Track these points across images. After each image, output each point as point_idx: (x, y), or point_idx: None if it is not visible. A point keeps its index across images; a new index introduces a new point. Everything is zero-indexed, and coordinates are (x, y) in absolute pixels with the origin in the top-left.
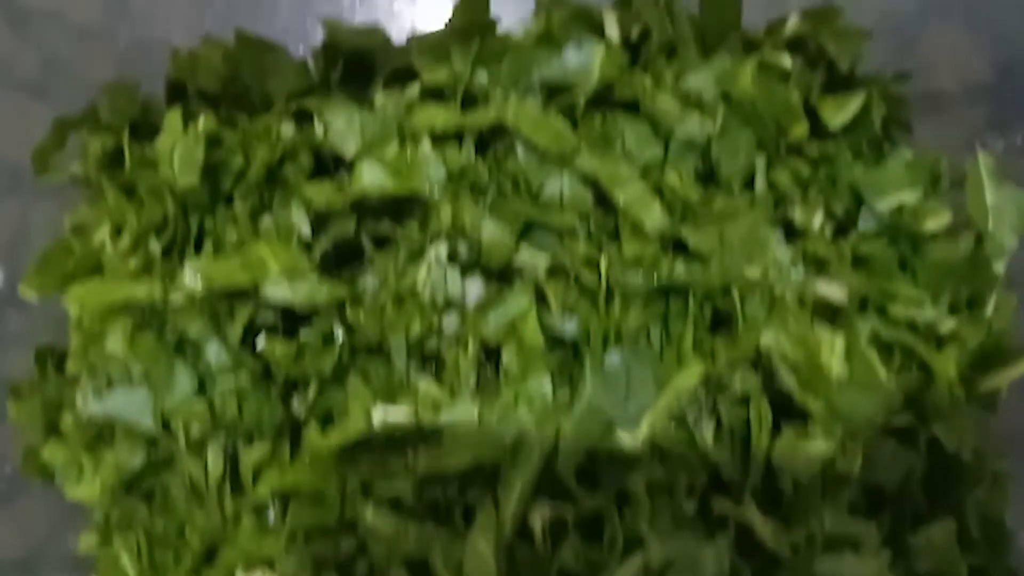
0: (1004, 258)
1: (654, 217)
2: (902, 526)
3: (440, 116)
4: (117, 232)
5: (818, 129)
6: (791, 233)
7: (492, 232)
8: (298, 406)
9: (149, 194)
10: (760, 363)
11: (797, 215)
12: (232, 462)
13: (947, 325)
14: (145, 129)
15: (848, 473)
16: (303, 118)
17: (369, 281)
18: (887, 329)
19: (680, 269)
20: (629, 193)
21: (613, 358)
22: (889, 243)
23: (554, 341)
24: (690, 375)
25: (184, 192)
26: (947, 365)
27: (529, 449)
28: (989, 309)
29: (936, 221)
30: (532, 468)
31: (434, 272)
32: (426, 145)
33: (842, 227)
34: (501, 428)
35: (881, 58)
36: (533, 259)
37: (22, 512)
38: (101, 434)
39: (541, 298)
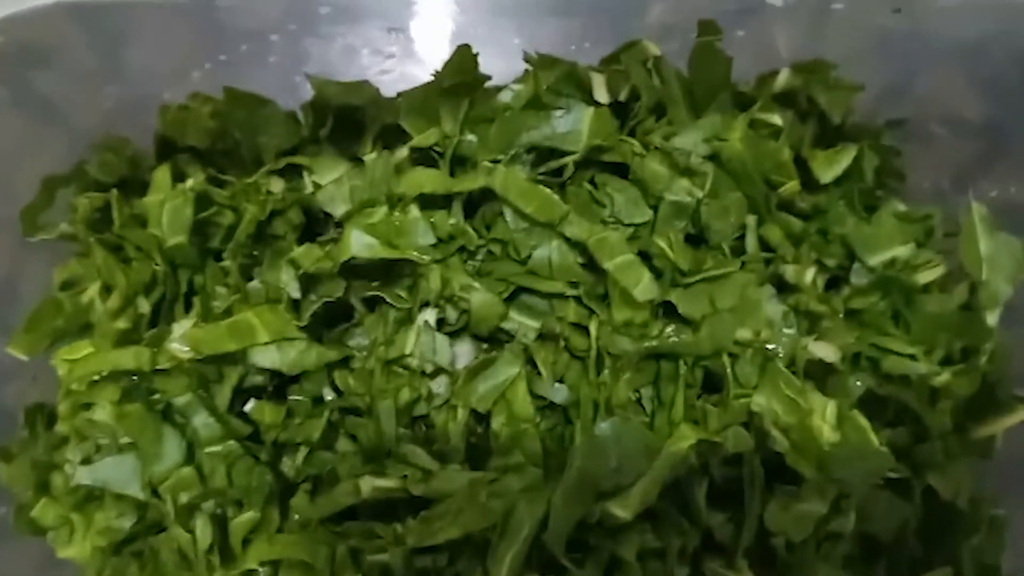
0: (998, 308)
1: (643, 284)
2: (899, 574)
3: (429, 180)
4: (106, 291)
5: (809, 181)
6: (783, 288)
7: (482, 297)
8: (287, 468)
9: (138, 253)
10: (752, 424)
11: (789, 272)
12: (221, 528)
13: (941, 378)
14: (134, 185)
15: (842, 532)
16: (293, 174)
17: (358, 342)
18: (880, 385)
19: (670, 335)
20: (618, 260)
21: (603, 428)
22: (882, 297)
23: (544, 407)
24: (681, 443)
25: (173, 250)
26: (941, 418)
27: (519, 522)
28: (983, 359)
29: (929, 274)
30: (522, 541)
31: (423, 338)
32: (414, 210)
33: (834, 280)
34: (491, 500)
35: (874, 102)
36: (523, 324)
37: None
38: (91, 495)
39: (531, 363)
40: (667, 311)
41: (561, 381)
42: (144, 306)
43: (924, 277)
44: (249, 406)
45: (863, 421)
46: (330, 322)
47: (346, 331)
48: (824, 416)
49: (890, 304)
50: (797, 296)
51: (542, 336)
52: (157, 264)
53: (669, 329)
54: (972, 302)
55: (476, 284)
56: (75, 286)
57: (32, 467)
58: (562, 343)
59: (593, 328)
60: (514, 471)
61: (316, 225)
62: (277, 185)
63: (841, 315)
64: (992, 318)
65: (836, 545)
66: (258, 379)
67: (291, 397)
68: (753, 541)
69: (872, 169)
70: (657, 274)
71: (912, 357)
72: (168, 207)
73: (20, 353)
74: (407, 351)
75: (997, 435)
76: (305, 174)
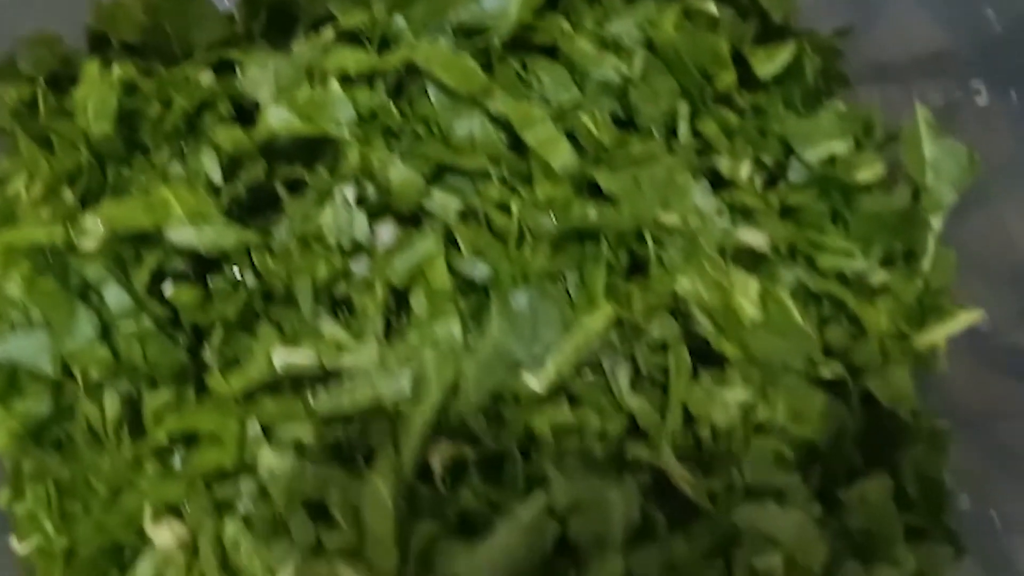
0: (942, 213)
1: (563, 157)
2: (835, 482)
3: (351, 58)
4: (32, 183)
5: (749, 80)
6: (718, 184)
7: (402, 174)
8: (206, 354)
9: (63, 142)
10: (678, 310)
11: (723, 165)
12: (134, 407)
13: (878, 277)
14: (66, 81)
15: (770, 423)
16: (225, 69)
17: (282, 229)
18: (815, 279)
19: (592, 212)
20: (539, 134)
21: (520, 298)
22: (820, 194)
23: (466, 286)
24: (599, 317)
25: (99, 140)
26: (878, 317)
27: (428, 387)
28: (926, 264)
29: (869, 172)
30: (432, 407)
31: (340, 214)
32: (334, 85)
33: (772, 179)
34: (403, 368)
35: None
36: (444, 202)
37: None
38: (10, 384)
39: (453, 242)
40: (592, 191)
41: (482, 260)
42: (69, 196)
43: (864, 175)
44: (167, 289)
45: (786, 299)
46: (254, 212)
47: (270, 221)
48: (747, 294)
49: (828, 204)
50: (732, 192)
51: (464, 215)
52: (83, 155)
53: (592, 207)
54: (912, 205)
55: (397, 160)
56: (2, 183)
57: None
58: (484, 221)
59: (515, 206)
60: (430, 344)
61: (248, 121)
62: (207, 77)
63: (776, 211)
64: (936, 223)
65: (766, 440)
66: (178, 265)
67: (211, 282)
68: (678, 429)
69: (814, 71)
70: (581, 152)
71: (849, 254)
72: (94, 96)
73: None
74: (324, 225)
75: (940, 345)
76: (238, 69)
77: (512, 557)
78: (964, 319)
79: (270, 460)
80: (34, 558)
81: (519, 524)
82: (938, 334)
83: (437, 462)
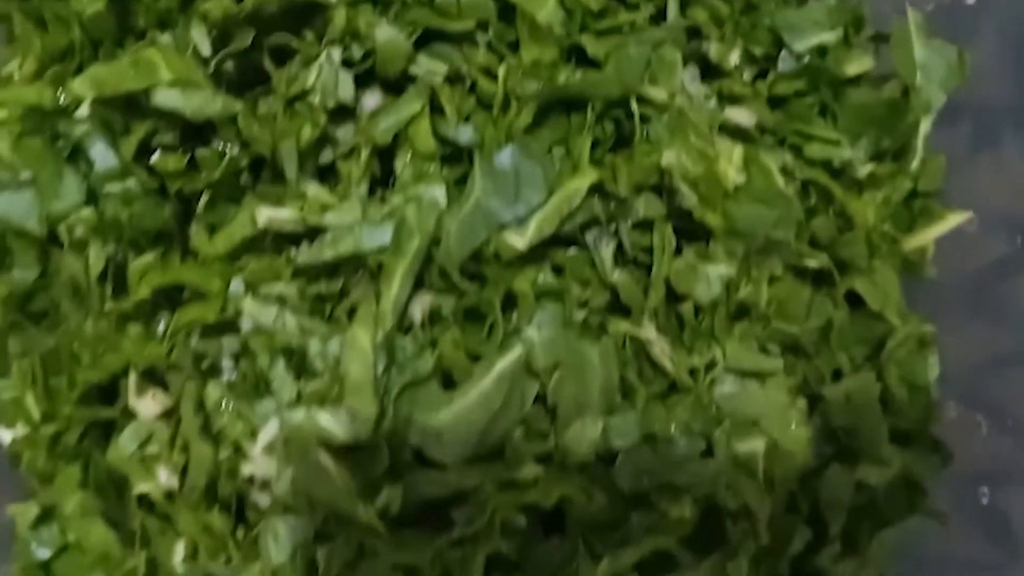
0: (931, 114)
1: (548, 11)
2: (821, 381)
3: None
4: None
5: None
6: (708, 73)
7: (387, 35)
8: (193, 228)
9: (55, 20)
10: (663, 188)
11: (713, 51)
12: (120, 270)
13: (866, 168)
14: None
15: (754, 304)
16: None
17: (270, 101)
18: (801, 167)
19: (577, 77)
20: None
21: (503, 156)
22: (808, 86)
23: (451, 153)
24: (582, 179)
25: (91, 19)
26: (865, 209)
27: (409, 235)
28: (914, 162)
29: (858, 65)
30: (413, 256)
31: (326, 74)
32: None
33: (762, 72)
34: (385, 220)
35: None
36: (430, 67)
37: None
38: None
39: (439, 109)
40: (579, 60)
41: (467, 124)
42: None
43: (853, 68)
44: (154, 157)
45: (770, 164)
46: (245, 86)
47: (258, 96)
48: (731, 159)
49: (817, 97)
50: (721, 80)
51: (450, 80)
52: (75, 33)
53: (577, 73)
54: (901, 99)
55: (384, 23)
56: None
57: None
58: (469, 86)
59: (501, 71)
60: (413, 203)
61: None
62: None
63: (764, 99)
64: (926, 125)
65: (750, 326)
66: (166, 138)
67: (198, 152)
68: (661, 308)
69: None
70: (568, 13)
71: (836, 143)
72: None
73: None
74: (308, 86)
75: (928, 247)
76: None
77: (490, 409)
78: (953, 219)
79: (252, 310)
80: (19, 446)
81: (498, 375)
82: (927, 236)
83: (418, 311)
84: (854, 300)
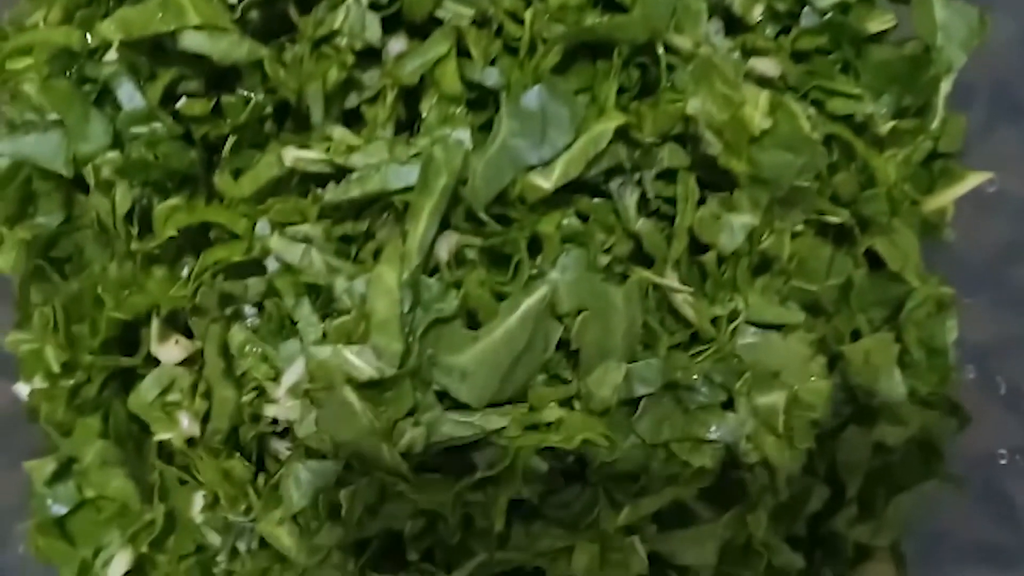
0: (952, 74)
1: None
2: (840, 340)
3: None
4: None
5: None
6: (731, 28)
7: None
8: (217, 177)
9: None
10: (687, 136)
11: (737, 4)
12: (145, 212)
13: (888, 125)
14: None
15: (776, 254)
16: None
17: (295, 48)
18: (824, 122)
19: (604, 20)
20: None
21: (530, 97)
22: (831, 42)
23: (477, 96)
24: (608, 123)
25: None
26: (886, 166)
27: (436, 173)
28: (935, 121)
29: (879, 22)
30: (439, 194)
31: (352, 16)
32: None
33: (785, 29)
34: (411, 160)
35: None
36: (457, 11)
37: None
38: (22, 207)
39: (465, 52)
40: (606, 5)
41: (493, 65)
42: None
43: (875, 25)
44: (180, 103)
45: (796, 108)
46: (270, 35)
47: (283, 47)
48: (757, 105)
49: (840, 55)
50: (744, 35)
51: (476, 23)
52: None
53: (604, 16)
54: (923, 56)
55: None
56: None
57: None
58: (496, 29)
59: (528, 15)
60: (440, 144)
61: None
62: None
63: (788, 53)
64: (946, 85)
65: (771, 280)
66: (192, 85)
67: (223, 98)
68: (684, 259)
69: None
70: None
71: (859, 98)
72: None
73: None
74: (335, 27)
75: (948, 208)
76: None
77: (513, 349)
78: (972, 180)
79: (279, 247)
80: (36, 400)
81: (522, 314)
82: (947, 196)
83: (444, 250)
84: (873, 261)
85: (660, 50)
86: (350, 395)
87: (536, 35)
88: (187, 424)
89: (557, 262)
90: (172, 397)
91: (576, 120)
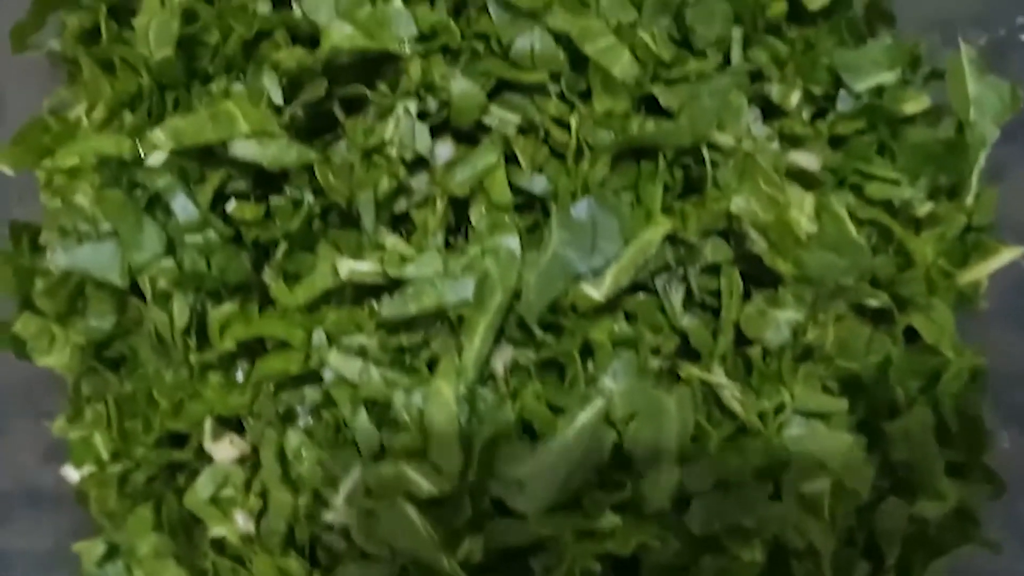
0: (985, 149)
1: (623, 66)
2: (879, 416)
3: None
4: (94, 108)
5: (799, 14)
6: (769, 114)
7: (462, 87)
8: (268, 276)
9: (124, 67)
10: (731, 231)
11: (775, 92)
12: (200, 319)
13: (924, 207)
14: (125, 12)
15: (820, 346)
16: (283, 4)
17: (342, 148)
18: (862, 207)
19: (650, 126)
20: (599, 45)
21: (580, 209)
22: (867, 125)
23: (524, 201)
24: (656, 230)
25: (159, 65)
26: (924, 248)
27: (491, 292)
28: (970, 198)
29: (915, 104)
30: (495, 311)
31: (402, 126)
32: (396, 2)
33: (821, 111)
34: (465, 274)
35: None
36: (503, 118)
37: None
38: (73, 305)
39: (512, 158)
40: (649, 107)
41: (541, 173)
42: (130, 120)
43: (910, 107)
44: (230, 206)
45: (842, 212)
46: (313, 135)
47: (329, 144)
48: (802, 208)
49: (876, 136)
50: (782, 121)
51: (522, 130)
52: (143, 79)
53: (650, 122)
54: (958, 137)
55: (458, 74)
56: (63, 110)
57: (15, 274)
58: (542, 136)
59: (574, 122)
60: (491, 255)
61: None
62: (264, 7)
63: (825, 139)
64: (980, 160)
65: (815, 367)
66: (240, 185)
67: (272, 200)
68: (730, 351)
69: (862, 5)
70: (640, 65)
71: (896, 183)
72: (155, 22)
73: (6, 166)
74: (386, 138)
75: (982, 282)
76: (293, 2)
77: (571, 460)
78: (1007, 254)
79: (337, 363)
80: (87, 485)
81: (578, 428)
82: (981, 270)
83: (500, 365)
84: (909, 333)
85: (705, 152)
86: (409, 510)
87: (582, 141)
88: (243, 522)
89: (609, 368)
90: (226, 493)
91: (625, 230)
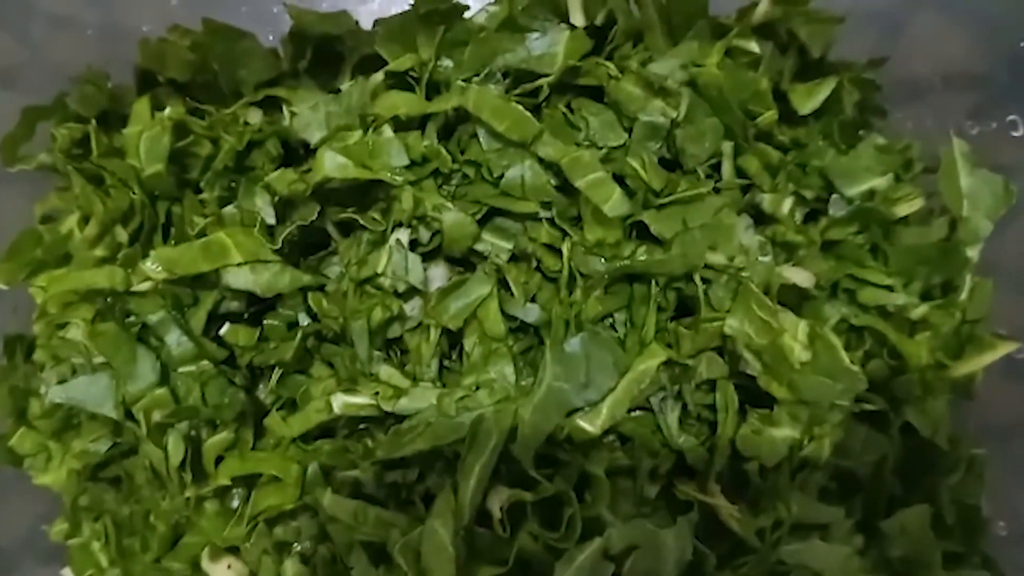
0: (979, 244)
1: (614, 203)
2: (876, 512)
3: (403, 102)
4: (85, 221)
5: (789, 115)
6: (760, 220)
7: (454, 217)
8: (262, 393)
9: (116, 182)
10: (725, 349)
11: (766, 202)
12: (194, 448)
13: (919, 311)
14: (115, 119)
15: (816, 459)
16: (272, 107)
17: (334, 269)
18: (857, 315)
19: (642, 254)
20: (589, 179)
21: (573, 343)
22: (860, 228)
23: (517, 328)
24: (651, 360)
25: (151, 180)
26: (919, 351)
27: (487, 433)
28: (963, 294)
29: (908, 206)
30: (490, 452)
31: (395, 257)
32: (387, 131)
33: (813, 213)
34: (461, 413)
35: (861, 46)
36: (495, 245)
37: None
38: (68, 422)
39: (504, 284)
40: (640, 233)
41: (533, 301)
42: (122, 235)
43: (902, 209)
44: (224, 329)
45: (835, 340)
46: (306, 251)
47: (322, 260)
48: (796, 335)
49: (868, 237)
50: (774, 227)
51: (514, 257)
52: (135, 193)
53: (641, 250)
54: (952, 238)
55: (449, 204)
56: (55, 220)
57: (10, 393)
58: (534, 264)
59: (565, 249)
60: (485, 387)
61: (294, 159)
62: (255, 116)
63: (818, 246)
64: (973, 254)
65: (811, 475)
66: (233, 305)
67: (266, 322)
68: (726, 466)
69: (852, 104)
70: (630, 195)
71: (890, 288)
72: (146, 136)
73: (0, 281)
74: (379, 270)
75: (977, 374)
76: (284, 107)
77: None
78: (1002, 349)
79: (331, 505)
80: None
81: (576, 568)
82: (976, 364)
83: (495, 506)
84: (905, 426)
85: (697, 279)
86: None
87: (575, 269)
88: None
89: (607, 503)
90: None
91: (619, 363)
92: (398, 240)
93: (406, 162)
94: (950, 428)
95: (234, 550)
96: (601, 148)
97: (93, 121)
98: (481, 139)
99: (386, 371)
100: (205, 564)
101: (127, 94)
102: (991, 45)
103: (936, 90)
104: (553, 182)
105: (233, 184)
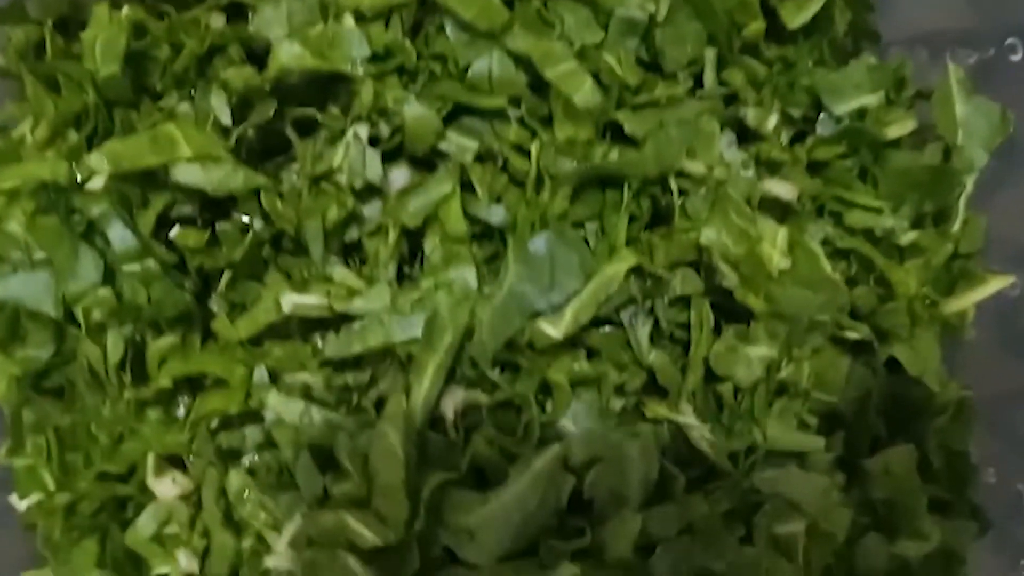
0: (974, 174)
1: (585, 93)
2: (858, 452)
3: None
4: (37, 126)
5: (777, 32)
6: (744, 138)
7: (416, 112)
8: (214, 305)
9: (69, 83)
10: (701, 264)
11: (750, 116)
12: (138, 352)
13: (908, 236)
14: (75, 26)
15: (795, 384)
16: (236, 14)
17: (293, 176)
18: (843, 237)
19: (615, 154)
20: (560, 70)
21: (538, 243)
22: (848, 149)
23: (482, 231)
24: (619, 265)
25: (106, 81)
26: (907, 279)
27: (441, 330)
28: (956, 224)
29: (899, 128)
30: (445, 352)
31: (353, 153)
32: (348, 20)
33: (800, 134)
34: (415, 312)
35: None
36: (460, 144)
37: None
38: (12, 332)
39: (469, 186)
40: (614, 135)
41: (499, 203)
42: (74, 139)
43: (894, 131)
44: (174, 231)
45: (816, 247)
46: (265, 157)
47: (280, 166)
48: (775, 242)
49: (857, 161)
50: (758, 145)
51: (480, 158)
52: (89, 96)
53: (614, 151)
54: (944, 162)
55: (412, 99)
56: (8, 128)
57: None
58: (501, 164)
59: (534, 149)
60: (443, 288)
61: (259, 64)
62: (218, 20)
63: (804, 165)
64: (967, 185)
65: (790, 403)
66: (186, 210)
67: (218, 225)
68: (699, 387)
69: (844, 22)
70: (605, 91)
71: (878, 211)
72: (102, 36)
73: None
74: (335, 165)
75: (968, 311)
76: (250, 14)
77: (525, 509)
78: (994, 284)
79: (277, 405)
80: (34, 514)
81: (533, 475)
82: (967, 300)
83: (450, 409)
84: (892, 363)
85: (673, 183)
86: (352, 562)
87: (543, 170)
88: (186, 562)
89: (568, 409)
90: (170, 530)
91: (585, 264)
92: (356, 134)
93: (367, 53)
94: (940, 371)
95: (181, 466)
96: (576, 45)
97: (48, 22)
98: (448, 31)
99: (340, 272)
100: (150, 480)
101: (88, 1)
102: None
103: (933, 28)
104: (523, 78)
105: (193, 93)
